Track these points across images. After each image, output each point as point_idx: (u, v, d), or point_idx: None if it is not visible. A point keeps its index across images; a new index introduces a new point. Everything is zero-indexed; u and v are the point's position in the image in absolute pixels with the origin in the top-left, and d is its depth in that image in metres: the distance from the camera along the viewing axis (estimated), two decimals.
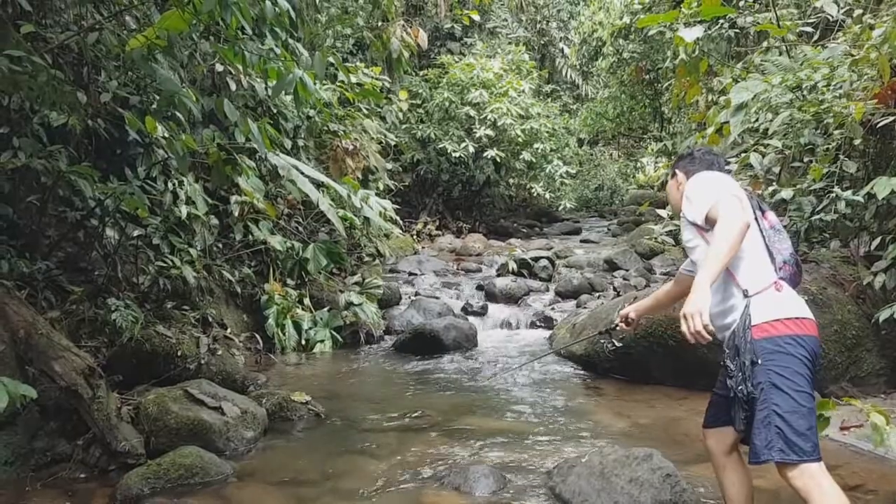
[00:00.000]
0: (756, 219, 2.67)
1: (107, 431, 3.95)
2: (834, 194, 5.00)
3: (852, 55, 5.41)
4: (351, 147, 8.81)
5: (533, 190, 15.59)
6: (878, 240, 5.09)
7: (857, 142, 5.14)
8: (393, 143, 11.07)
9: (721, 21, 8.35)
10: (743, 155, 5.74)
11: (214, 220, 6.54)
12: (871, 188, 4.52)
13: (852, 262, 5.49)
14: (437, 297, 9.16)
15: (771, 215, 2.75)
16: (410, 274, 10.66)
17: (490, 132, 14.10)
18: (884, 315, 4.51)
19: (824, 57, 5.55)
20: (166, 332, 5.29)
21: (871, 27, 5.14)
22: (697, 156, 2.97)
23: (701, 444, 4.50)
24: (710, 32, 8.60)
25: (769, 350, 2.47)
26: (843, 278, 5.35)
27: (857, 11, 5.92)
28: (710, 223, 2.57)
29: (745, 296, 2.57)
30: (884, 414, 2.50)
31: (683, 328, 2.43)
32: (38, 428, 4.02)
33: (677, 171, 3.01)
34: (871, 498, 3.58)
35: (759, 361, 2.46)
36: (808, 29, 6.48)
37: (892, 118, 4.68)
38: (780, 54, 6.71)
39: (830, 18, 7.05)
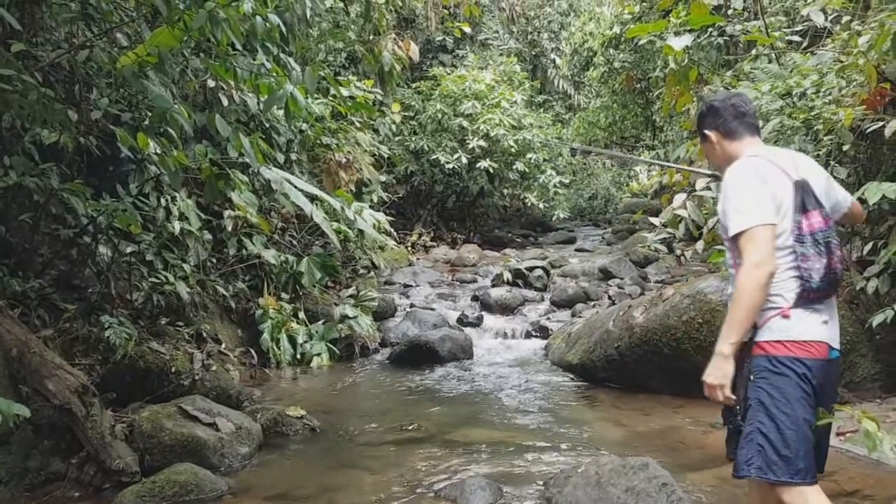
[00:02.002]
0: (797, 225, 2.42)
1: (101, 449, 3.94)
2: None
3: (841, 62, 5.45)
4: (344, 160, 8.82)
5: (527, 200, 15.61)
6: (870, 245, 5.10)
7: (846, 147, 5.17)
8: (386, 156, 11.08)
9: (710, 29, 8.41)
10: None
11: (208, 236, 6.53)
12: (862, 193, 4.52)
13: (845, 267, 5.51)
14: (432, 309, 9.14)
15: (815, 217, 2.42)
16: (405, 286, 10.65)
17: (483, 143, 14.14)
18: (877, 320, 4.52)
19: (813, 64, 5.59)
20: (160, 349, 5.27)
21: (859, 34, 5.19)
22: (720, 106, 2.67)
23: (697, 452, 4.54)
24: (699, 41, 8.65)
25: (763, 368, 2.40)
26: None
27: (846, 18, 5.97)
28: (734, 247, 2.46)
29: (753, 327, 2.43)
30: (874, 419, 2.49)
31: (706, 393, 2.45)
32: (31, 447, 4.00)
33: (707, 132, 2.70)
34: (868, 503, 3.59)
35: (752, 378, 2.41)
36: (797, 38, 6.52)
37: (881, 124, 4.71)
38: (770, 62, 6.75)
39: (818, 26, 7.11)
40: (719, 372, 2.39)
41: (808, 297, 2.40)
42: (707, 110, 2.72)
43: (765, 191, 2.41)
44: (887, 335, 5.14)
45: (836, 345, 2.48)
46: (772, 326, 2.41)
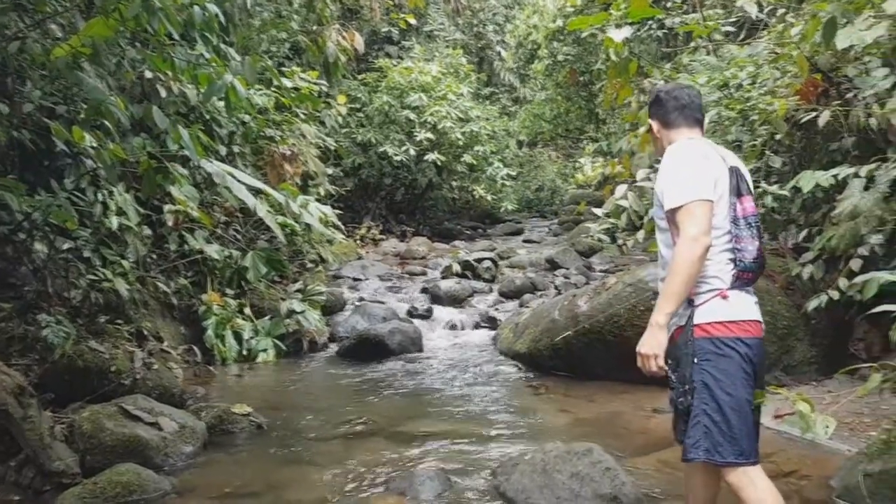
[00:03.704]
0: (732, 207, 2.51)
1: (40, 451, 3.83)
2: (761, 189, 5.16)
3: (776, 53, 5.60)
4: (289, 152, 8.70)
5: (475, 192, 15.67)
6: (804, 232, 5.26)
7: (780, 137, 5.32)
8: (333, 148, 10.97)
9: (650, 22, 8.56)
10: None
11: (147, 231, 6.38)
12: (797, 182, 4.66)
13: (781, 254, 5.68)
14: (381, 302, 9.12)
15: (748, 202, 2.54)
16: (354, 279, 10.60)
17: (430, 135, 14.13)
18: (812, 305, 4.66)
19: (747, 55, 5.74)
20: (99, 348, 5.13)
21: (792, 25, 5.34)
22: (663, 97, 2.73)
23: (641, 436, 4.64)
24: (639, 34, 8.81)
25: (707, 350, 2.45)
26: (773, 270, 5.52)
27: (781, 10, 6.14)
28: (672, 222, 2.52)
29: (690, 304, 2.51)
30: (808, 401, 2.58)
31: (639, 363, 2.53)
32: None
33: (650, 120, 2.82)
34: (805, 483, 3.72)
35: (696, 361, 2.46)
36: (732, 28, 6.69)
37: (814, 114, 4.85)
38: (708, 54, 6.90)
39: (754, 18, 7.29)
40: (654, 341, 2.47)
41: (743, 278, 2.50)
42: (653, 100, 2.80)
43: (704, 168, 2.49)
44: (822, 320, 5.32)
45: (763, 325, 2.59)
46: (712, 308, 2.48)
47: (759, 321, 2.54)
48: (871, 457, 3.44)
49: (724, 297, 2.48)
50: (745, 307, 2.51)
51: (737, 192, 2.52)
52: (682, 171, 2.50)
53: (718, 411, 2.42)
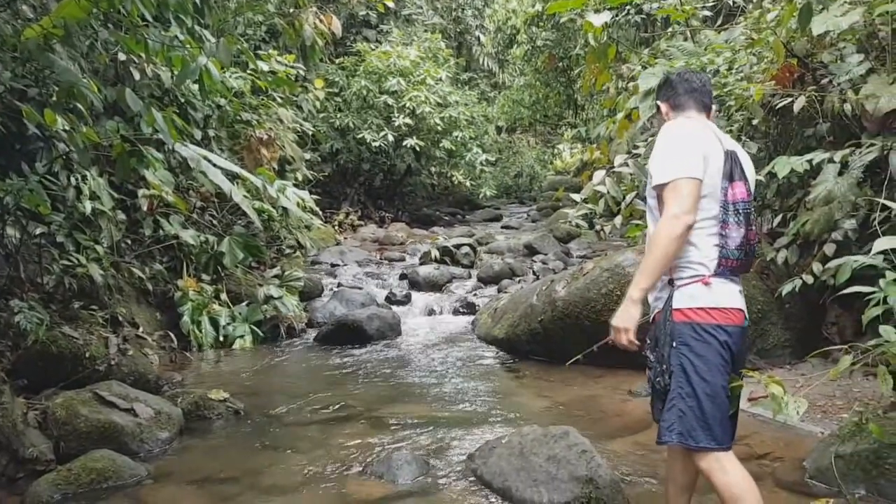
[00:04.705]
0: (723, 192, 2.47)
1: (13, 438, 3.78)
2: None
3: (752, 39, 5.63)
4: (265, 137, 8.62)
5: (454, 178, 15.65)
6: (779, 217, 5.31)
7: (757, 122, 5.36)
8: (310, 133, 10.88)
9: (628, 7, 8.57)
10: (651, 139, 5.91)
11: (122, 216, 6.28)
12: (772, 167, 4.69)
13: (758, 241, 5.73)
14: (360, 288, 9.10)
15: (740, 187, 2.49)
16: (333, 265, 10.56)
17: (409, 121, 14.06)
18: (786, 289, 4.71)
19: (723, 40, 5.76)
20: (73, 334, 5.07)
21: (769, 11, 5.37)
22: (675, 80, 2.72)
23: (617, 419, 4.68)
24: (617, 19, 8.81)
25: (686, 335, 2.45)
26: None
27: None
28: (660, 199, 2.51)
29: (671, 284, 2.52)
30: (780, 383, 2.61)
31: (611, 336, 2.53)
32: None
33: (659, 102, 2.78)
34: (779, 465, 3.77)
35: (675, 344, 2.46)
36: (709, 13, 6.72)
37: (790, 99, 4.88)
38: (686, 40, 6.93)
39: (731, 4, 7.33)
40: (626, 315, 2.46)
41: (727, 265, 2.47)
42: (664, 82, 2.78)
43: (695, 147, 2.46)
44: (796, 304, 5.39)
45: (746, 314, 2.58)
46: (693, 293, 2.46)
47: (740, 309, 2.52)
48: (843, 438, 3.50)
49: (706, 284, 2.46)
50: (727, 295, 2.49)
51: (729, 177, 2.49)
52: (671, 148, 2.49)
53: (693, 396, 2.43)
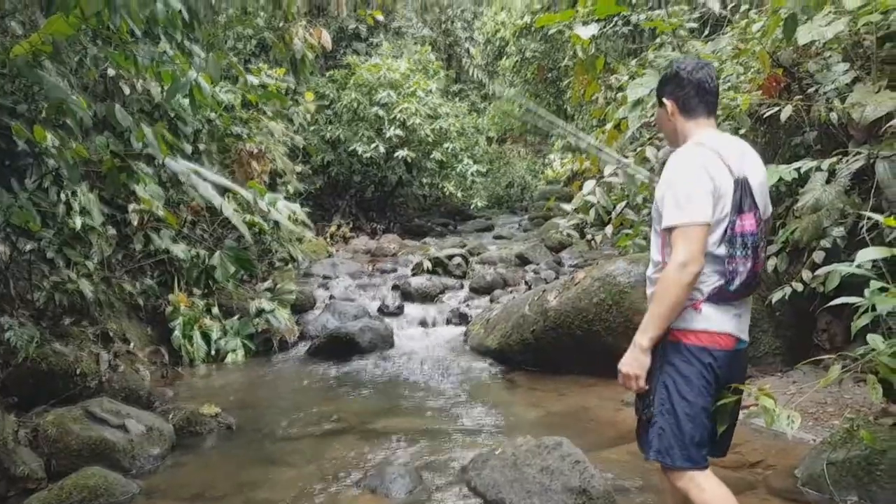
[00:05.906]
0: (731, 225, 2.38)
1: (4, 456, 3.77)
2: None
3: (739, 49, 5.68)
4: (256, 150, 8.62)
5: (445, 189, 15.67)
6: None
7: (744, 131, 5.40)
8: (301, 146, 10.89)
9: (616, 19, 8.63)
10: (640, 149, 5.95)
11: (112, 231, 6.27)
12: None
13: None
14: (352, 300, 9.08)
15: (749, 219, 2.38)
16: (325, 277, 10.53)
17: (400, 132, 14.08)
18: (777, 296, 4.72)
19: (710, 51, 5.81)
20: (64, 350, 5.05)
21: (755, 21, 5.43)
22: (685, 78, 2.53)
23: (610, 429, 4.69)
24: (605, 30, 8.87)
25: (672, 354, 2.44)
26: None
27: (744, 6, 6.23)
28: (666, 238, 2.44)
29: None
30: (771, 395, 2.62)
31: (620, 381, 2.50)
32: None
33: (665, 99, 2.60)
34: (770, 473, 3.79)
35: (660, 364, 2.45)
36: (696, 25, 6.78)
37: (776, 108, 4.92)
38: (673, 50, 6.98)
39: (718, 15, 7.39)
40: (636, 363, 2.43)
41: (724, 296, 2.42)
42: (672, 76, 2.59)
43: (707, 187, 2.37)
44: (786, 311, 5.41)
45: (745, 336, 2.52)
46: (684, 316, 2.43)
47: (731, 334, 2.45)
48: (834, 445, 3.51)
49: (696, 309, 2.42)
50: (718, 319, 2.43)
51: (738, 209, 2.38)
52: (682, 187, 2.38)
53: (672, 413, 2.42)
